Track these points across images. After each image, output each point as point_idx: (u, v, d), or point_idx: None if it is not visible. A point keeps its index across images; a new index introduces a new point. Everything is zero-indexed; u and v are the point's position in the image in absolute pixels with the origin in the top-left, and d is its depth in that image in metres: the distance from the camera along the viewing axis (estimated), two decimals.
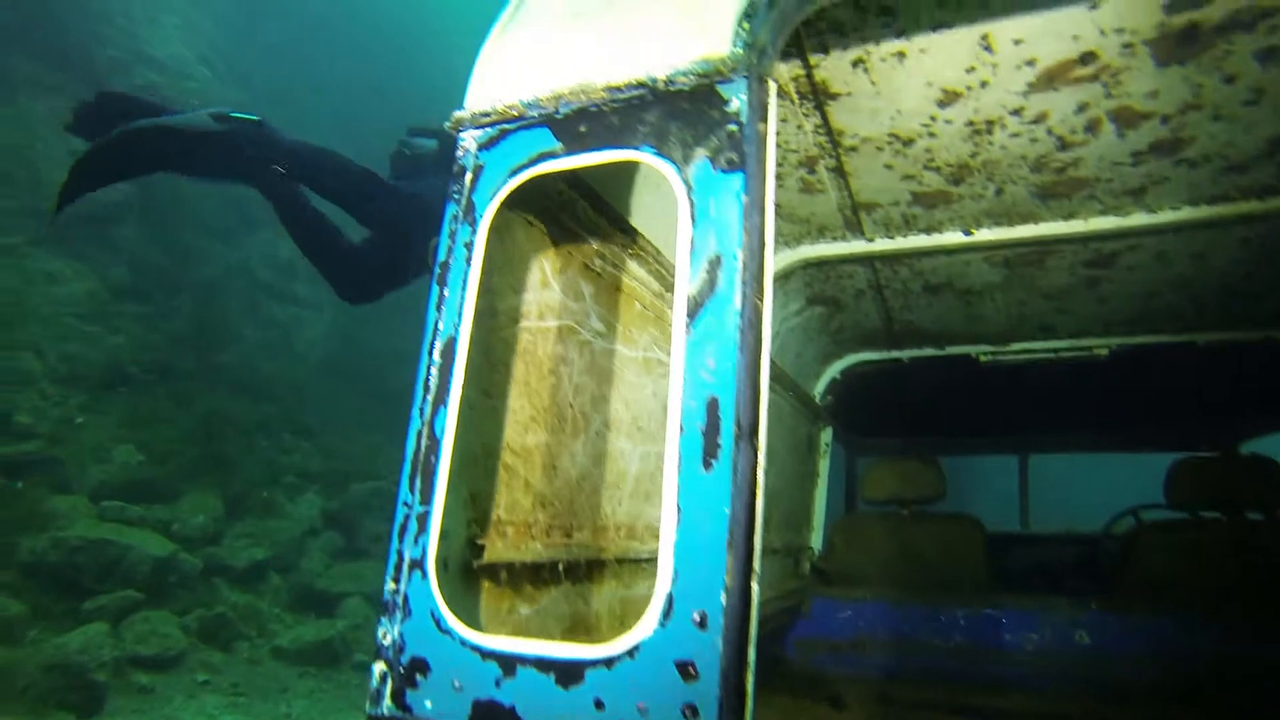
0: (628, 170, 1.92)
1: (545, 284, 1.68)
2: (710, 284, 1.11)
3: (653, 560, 2.41)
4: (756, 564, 1.08)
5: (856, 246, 2.79)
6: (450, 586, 1.44)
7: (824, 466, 4.58)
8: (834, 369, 4.43)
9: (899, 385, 4.53)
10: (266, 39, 14.90)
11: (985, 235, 2.65)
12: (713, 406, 1.08)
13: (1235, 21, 1.54)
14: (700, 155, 1.16)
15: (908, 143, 2.07)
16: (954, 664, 3.53)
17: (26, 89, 9.62)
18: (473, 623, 1.32)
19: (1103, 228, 2.52)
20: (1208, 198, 2.31)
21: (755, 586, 1.07)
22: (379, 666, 1.21)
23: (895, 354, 4.27)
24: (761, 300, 1.10)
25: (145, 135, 4.07)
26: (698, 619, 1.03)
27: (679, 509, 1.08)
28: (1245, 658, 3.07)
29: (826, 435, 4.59)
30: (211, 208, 11.98)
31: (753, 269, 1.10)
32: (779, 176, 2.37)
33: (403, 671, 1.18)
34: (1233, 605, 3.15)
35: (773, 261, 1.13)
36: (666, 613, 1.05)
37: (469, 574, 1.51)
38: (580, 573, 1.94)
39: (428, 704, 1.15)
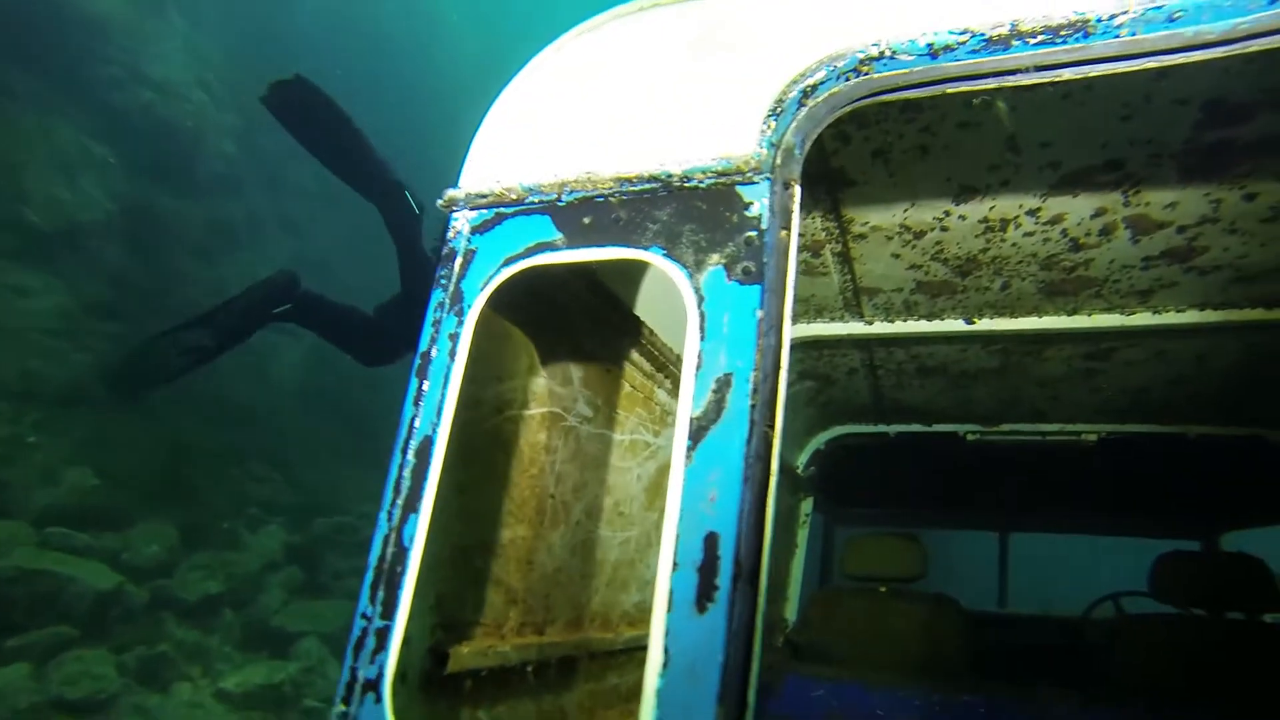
0: None
1: (533, 370, 1.57)
2: (717, 407, 1.00)
3: (627, 651, 2.27)
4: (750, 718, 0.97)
5: (854, 328, 2.72)
6: (408, 704, 1.30)
7: (803, 537, 4.46)
8: (818, 440, 4.35)
9: (883, 458, 4.45)
10: (270, 68, 14.87)
11: (986, 325, 2.60)
12: (711, 543, 0.98)
13: (1266, 141, 1.50)
14: (715, 262, 1.07)
15: (919, 234, 2.01)
16: None
17: (19, 101, 9.46)
18: None
19: (1105, 325, 2.47)
20: (1215, 304, 2.28)
21: None
22: None
23: (882, 428, 4.20)
24: (773, 430, 1.00)
25: (324, 105, 5.81)
26: None
27: (666, 653, 0.97)
28: None
29: (807, 506, 4.48)
30: (194, 227, 11.78)
31: (765, 393, 1.00)
32: None
33: None
34: (1218, 707, 3.05)
35: (786, 384, 1.03)
36: None
37: (430, 686, 1.37)
38: (550, 672, 1.79)
39: None
